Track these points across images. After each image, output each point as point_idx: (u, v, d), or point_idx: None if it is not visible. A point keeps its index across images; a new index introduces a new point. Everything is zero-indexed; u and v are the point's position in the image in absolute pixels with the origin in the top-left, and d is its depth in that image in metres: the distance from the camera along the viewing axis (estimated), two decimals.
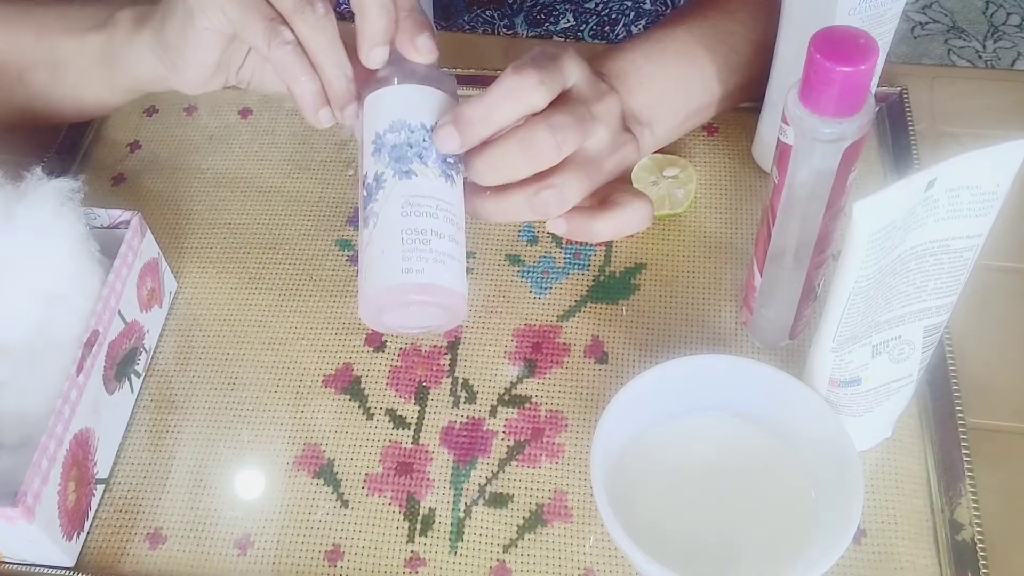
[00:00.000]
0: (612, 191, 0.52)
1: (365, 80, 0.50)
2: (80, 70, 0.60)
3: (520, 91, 0.47)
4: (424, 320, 0.50)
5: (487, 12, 0.81)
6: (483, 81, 0.70)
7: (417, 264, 0.47)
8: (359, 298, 0.48)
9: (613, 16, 0.81)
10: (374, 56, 0.49)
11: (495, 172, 0.48)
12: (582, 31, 0.82)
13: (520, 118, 0.48)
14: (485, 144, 0.48)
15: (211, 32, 0.50)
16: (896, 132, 0.67)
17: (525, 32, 0.82)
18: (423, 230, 0.47)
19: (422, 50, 0.49)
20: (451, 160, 0.49)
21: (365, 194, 0.49)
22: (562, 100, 0.49)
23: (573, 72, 0.49)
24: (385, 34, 0.48)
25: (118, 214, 0.57)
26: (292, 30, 0.48)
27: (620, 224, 0.51)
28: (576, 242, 0.63)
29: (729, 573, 0.48)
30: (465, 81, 0.71)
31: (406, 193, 0.48)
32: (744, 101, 0.64)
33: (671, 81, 0.59)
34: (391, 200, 0.48)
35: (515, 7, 0.81)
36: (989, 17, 1.89)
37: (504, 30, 0.82)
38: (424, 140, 0.49)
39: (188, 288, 0.63)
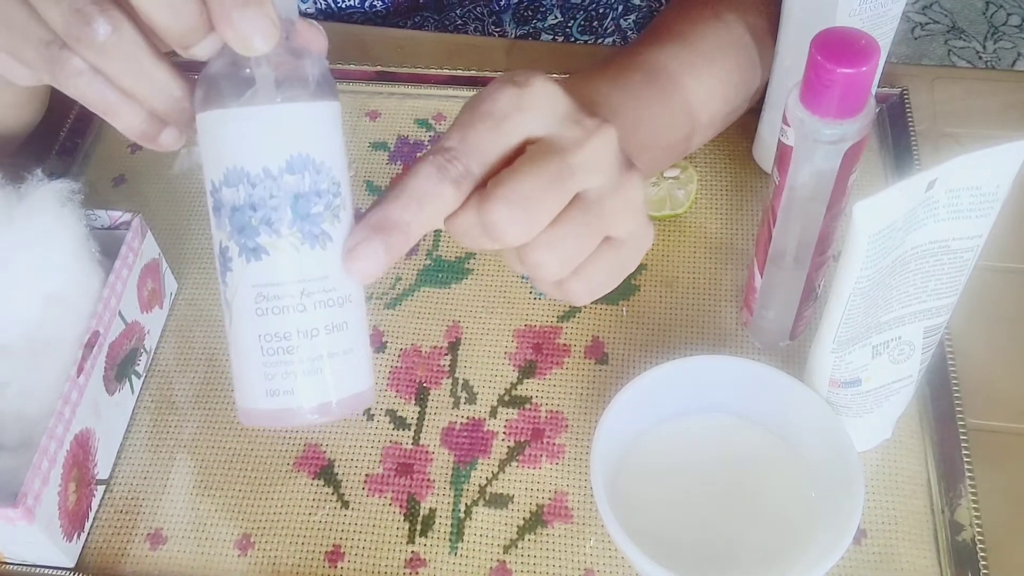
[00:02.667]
0: None
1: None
2: None
3: (431, 200, 0.37)
4: None
5: (477, 9, 0.81)
6: (484, 82, 0.71)
7: (283, 383, 0.37)
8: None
9: (601, 11, 0.81)
10: (194, 53, 0.36)
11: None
12: (570, 27, 0.82)
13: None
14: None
15: None
16: (897, 133, 0.67)
17: (513, 31, 0.82)
18: (286, 333, 0.36)
19: (244, 33, 0.34)
20: (318, 211, 0.36)
21: (219, 265, 0.38)
22: (534, 154, 0.38)
23: (535, 126, 0.39)
24: (178, 17, 0.35)
25: (118, 215, 0.57)
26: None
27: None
28: None
29: (729, 574, 0.48)
30: (465, 82, 0.71)
31: (257, 281, 0.36)
32: (731, 120, 0.62)
33: (641, 112, 0.53)
34: (241, 290, 0.36)
35: (502, 4, 0.80)
36: (989, 18, 1.89)
37: (493, 27, 0.82)
38: (273, 195, 0.35)
39: (189, 289, 0.63)
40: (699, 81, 0.57)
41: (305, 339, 0.37)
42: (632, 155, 0.51)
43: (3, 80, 0.42)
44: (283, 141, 0.36)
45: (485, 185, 0.38)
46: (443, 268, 0.63)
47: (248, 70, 0.36)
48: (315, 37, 0.39)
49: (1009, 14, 1.90)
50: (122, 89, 0.37)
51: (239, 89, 0.35)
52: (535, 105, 0.39)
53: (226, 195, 0.36)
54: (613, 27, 0.82)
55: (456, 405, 0.57)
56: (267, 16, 0.34)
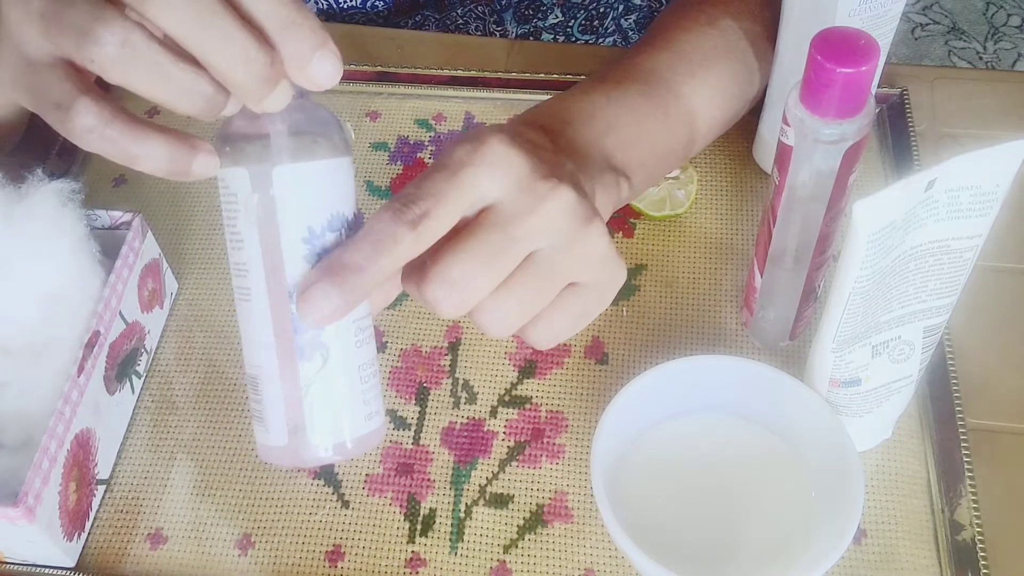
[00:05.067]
0: None
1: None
2: None
3: (386, 243, 0.37)
4: None
5: (479, 8, 0.81)
6: (485, 83, 0.71)
7: (375, 404, 0.41)
8: (297, 446, 0.39)
9: (602, 10, 0.81)
10: (270, 103, 0.36)
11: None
12: (571, 26, 0.82)
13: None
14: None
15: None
16: (897, 133, 0.67)
17: (515, 30, 0.82)
18: (371, 359, 0.40)
19: (319, 72, 0.36)
20: None
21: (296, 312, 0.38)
22: (476, 228, 0.39)
23: (488, 183, 0.39)
24: (251, 72, 0.35)
25: (119, 215, 0.57)
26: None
27: None
28: None
29: (729, 573, 0.48)
30: (465, 82, 0.71)
31: (356, 315, 0.39)
32: (729, 126, 0.62)
33: (638, 124, 0.53)
34: (344, 328, 0.39)
35: (504, 2, 0.81)
36: (989, 18, 1.90)
37: (494, 26, 0.82)
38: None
39: (189, 289, 0.63)
40: (696, 90, 0.57)
41: (375, 360, 0.41)
42: (630, 169, 0.51)
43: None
44: (351, 184, 0.40)
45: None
46: None
47: (302, 114, 0.38)
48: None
49: (1009, 15, 1.90)
50: (154, 99, 0.36)
51: (308, 137, 0.38)
52: (487, 161, 0.39)
53: (329, 239, 0.38)
54: (614, 27, 0.83)
55: (456, 405, 0.57)
56: (336, 54, 0.36)
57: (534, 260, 0.40)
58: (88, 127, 0.36)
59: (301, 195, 0.38)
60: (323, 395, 0.39)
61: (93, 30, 0.35)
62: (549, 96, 0.54)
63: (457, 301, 0.38)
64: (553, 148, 0.47)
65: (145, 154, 0.37)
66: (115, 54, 0.35)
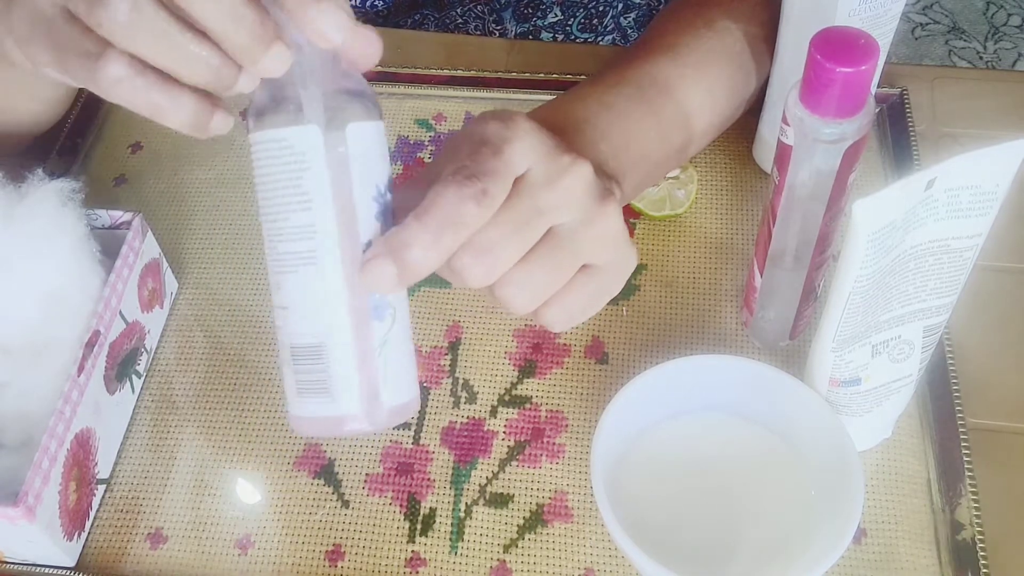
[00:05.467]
0: None
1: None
2: None
3: (454, 220, 0.38)
4: None
5: (478, 7, 0.81)
6: (485, 82, 0.71)
7: (415, 369, 0.41)
8: (372, 409, 0.39)
9: (601, 8, 0.81)
10: (265, 65, 0.36)
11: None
12: (570, 25, 0.82)
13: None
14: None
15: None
16: (896, 133, 0.67)
17: (514, 28, 0.82)
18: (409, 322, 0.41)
19: (323, 24, 0.36)
20: None
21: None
22: (507, 195, 0.40)
23: (524, 158, 0.40)
24: (240, 26, 0.35)
25: (119, 215, 0.57)
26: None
27: None
28: None
29: (729, 573, 0.48)
30: (465, 82, 0.71)
31: None
32: (725, 127, 0.62)
33: (631, 129, 0.53)
34: (405, 291, 0.40)
35: (503, 1, 0.81)
36: (990, 18, 1.90)
37: (493, 25, 0.82)
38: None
39: (189, 289, 0.63)
40: (692, 93, 0.57)
41: None
42: (624, 173, 0.51)
43: (50, 77, 0.42)
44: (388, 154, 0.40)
45: None
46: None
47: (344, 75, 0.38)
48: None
49: (1010, 14, 1.90)
50: (161, 67, 0.36)
51: (365, 104, 0.38)
52: (520, 136, 0.40)
53: (390, 199, 0.39)
54: (613, 25, 0.83)
55: (456, 405, 0.57)
56: (338, 5, 0.36)
57: (554, 235, 0.41)
58: (118, 77, 0.36)
59: (370, 153, 0.38)
60: (393, 355, 0.39)
61: None
62: (549, 95, 0.54)
63: (485, 269, 0.39)
64: None
65: (173, 106, 0.37)
66: (124, 19, 0.35)
